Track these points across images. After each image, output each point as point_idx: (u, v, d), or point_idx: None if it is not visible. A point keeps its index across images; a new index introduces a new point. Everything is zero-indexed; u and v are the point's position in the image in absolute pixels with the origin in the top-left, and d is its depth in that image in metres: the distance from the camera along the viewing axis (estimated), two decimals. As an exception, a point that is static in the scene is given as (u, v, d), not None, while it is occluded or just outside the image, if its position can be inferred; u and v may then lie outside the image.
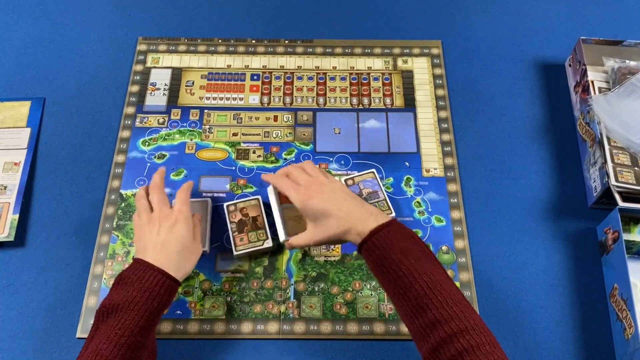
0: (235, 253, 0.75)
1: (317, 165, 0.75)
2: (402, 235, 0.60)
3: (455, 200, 0.82)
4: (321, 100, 0.91)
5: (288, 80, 0.93)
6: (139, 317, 0.58)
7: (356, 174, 0.82)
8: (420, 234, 0.79)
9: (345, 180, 0.81)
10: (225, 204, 0.79)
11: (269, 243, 0.75)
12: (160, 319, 0.64)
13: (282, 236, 0.74)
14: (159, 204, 0.69)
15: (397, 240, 0.58)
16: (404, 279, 0.56)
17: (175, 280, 0.63)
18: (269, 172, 0.84)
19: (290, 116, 0.90)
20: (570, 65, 0.94)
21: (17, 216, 0.78)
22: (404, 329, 0.72)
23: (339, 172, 0.84)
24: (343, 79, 0.94)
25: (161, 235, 0.66)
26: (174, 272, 0.63)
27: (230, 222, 0.77)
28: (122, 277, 0.61)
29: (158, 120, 0.89)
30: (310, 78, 0.94)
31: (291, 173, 0.71)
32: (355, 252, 0.77)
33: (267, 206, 0.78)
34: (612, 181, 0.76)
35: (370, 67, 0.95)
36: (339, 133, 0.88)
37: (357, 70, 0.95)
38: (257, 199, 0.79)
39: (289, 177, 0.71)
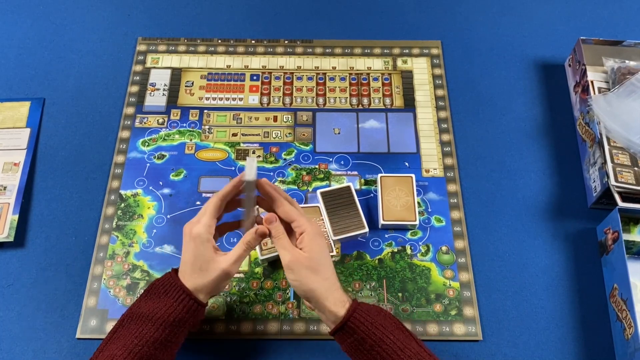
0: (260, 258, 0.75)
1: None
2: (374, 310, 0.60)
3: (455, 201, 0.82)
4: (321, 100, 0.91)
5: (288, 81, 0.93)
6: (155, 329, 0.57)
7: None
8: (419, 235, 0.79)
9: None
10: None
11: None
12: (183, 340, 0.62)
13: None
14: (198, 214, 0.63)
15: (372, 319, 0.59)
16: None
17: (197, 300, 0.60)
18: (270, 172, 0.84)
19: (289, 116, 0.89)
20: (570, 66, 0.94)
21: (16, 216, 0.78)
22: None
23: (338, 173, 0.84)
24: (343, 79, 0.94)
25: (183, 248, 0.62)
26: (195, 290, 0.60)
27: None
28: (152, 287, 0.61)
29: (158, 120, 0.89)
30: (309, 78, 0.94)
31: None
32: (355, 252, 0.77)
33: None
34: (612, 181, 0.76)
35: (370, 68, 0.95)
36: (339, 133, 0.88)
37: (357, 70, 0.95)
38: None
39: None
